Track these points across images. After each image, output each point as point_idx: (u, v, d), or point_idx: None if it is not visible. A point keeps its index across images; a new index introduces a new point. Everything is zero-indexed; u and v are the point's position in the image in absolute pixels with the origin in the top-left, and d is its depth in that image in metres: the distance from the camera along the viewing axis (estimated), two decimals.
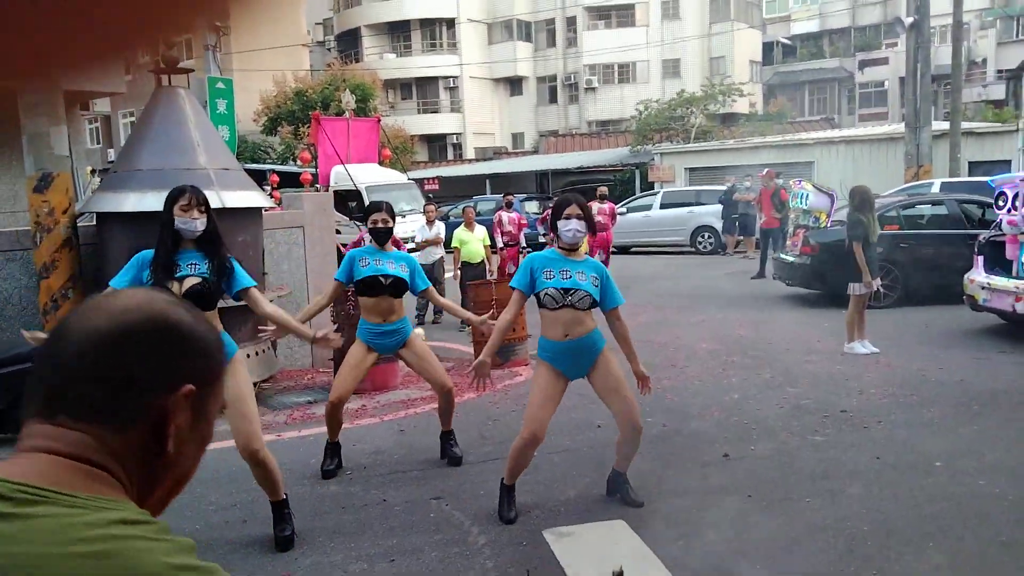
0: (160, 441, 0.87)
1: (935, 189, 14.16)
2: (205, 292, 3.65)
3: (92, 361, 0.85)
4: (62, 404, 0.84)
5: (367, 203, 5.00)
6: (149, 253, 3.68)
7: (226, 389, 3.66)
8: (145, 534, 0.79)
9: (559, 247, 4.12)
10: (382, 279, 4.66)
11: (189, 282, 3.63)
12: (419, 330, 7.76)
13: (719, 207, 17.95)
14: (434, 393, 5.04)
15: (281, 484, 3.86)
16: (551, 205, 4.29)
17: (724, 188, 18.06)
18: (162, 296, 0.94)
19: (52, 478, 0.80)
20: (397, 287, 4.70)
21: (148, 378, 0.87)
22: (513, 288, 4.07)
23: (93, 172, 15.79)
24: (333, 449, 4.86)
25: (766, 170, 15.61)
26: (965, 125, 19.42)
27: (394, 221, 4.84)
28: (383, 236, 4.77)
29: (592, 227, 4.15)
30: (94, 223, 6.87)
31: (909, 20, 17.81)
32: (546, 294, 3.95)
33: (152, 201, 5.96)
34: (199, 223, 3.64)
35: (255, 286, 3.85)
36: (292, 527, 3.87)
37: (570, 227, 4.01)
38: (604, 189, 13.44)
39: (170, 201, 3.66)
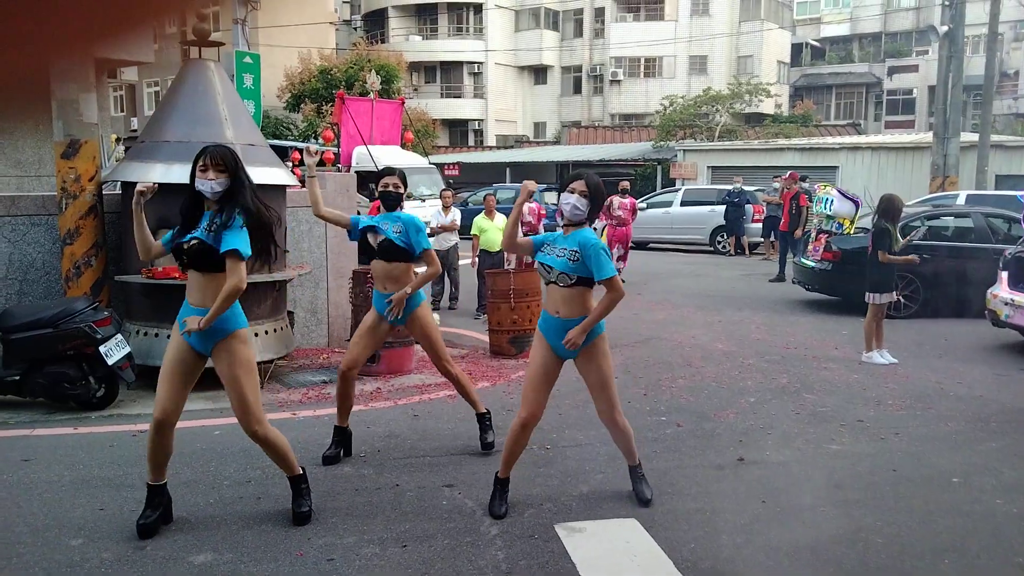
0: None
1: (960, 201, 14.02)
2: (200, 251, 3.58)
3: None
4: None
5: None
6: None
7: (222, 369, 3.64)
8: None
9: (568, 222, 4.01)
10: (371, 238, 4.63)
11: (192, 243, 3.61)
12: (435, 316, 7.76)
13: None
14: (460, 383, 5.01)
15: (293, 459, 3.87)
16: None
17: (730, 188, 17.96)
18: None
19: None
20: (386, 251, 4.59)
21: None
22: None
23: (118, 140, 15.85)
24: (340, 435, 4.74)
25: (788, 173, 15.53)
26: (994, 138, 19.19)
27: (406, 189, 4.78)
28: (393, 201, 4.68)
29: (598, 208, 4.04)
30: (119, 191, 6.90)
31: (943, 28, 17.62)
32: (538, 265, 3.99)
33: (179, 173, 5.97)
34: (215, 184, 3.58)
35: (235, 254, 3.55)
36: (310, 503, 3.89)
37: (569, 201, 3.92)
38: (626, 183, 13.37)
39: (194, 161, 3.67)
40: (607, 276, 3.83)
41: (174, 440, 3.72)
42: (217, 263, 3.58)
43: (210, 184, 3.58)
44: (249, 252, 3.60)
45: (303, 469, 3.95)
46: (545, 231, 11.52)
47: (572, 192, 3.95)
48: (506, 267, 9.60)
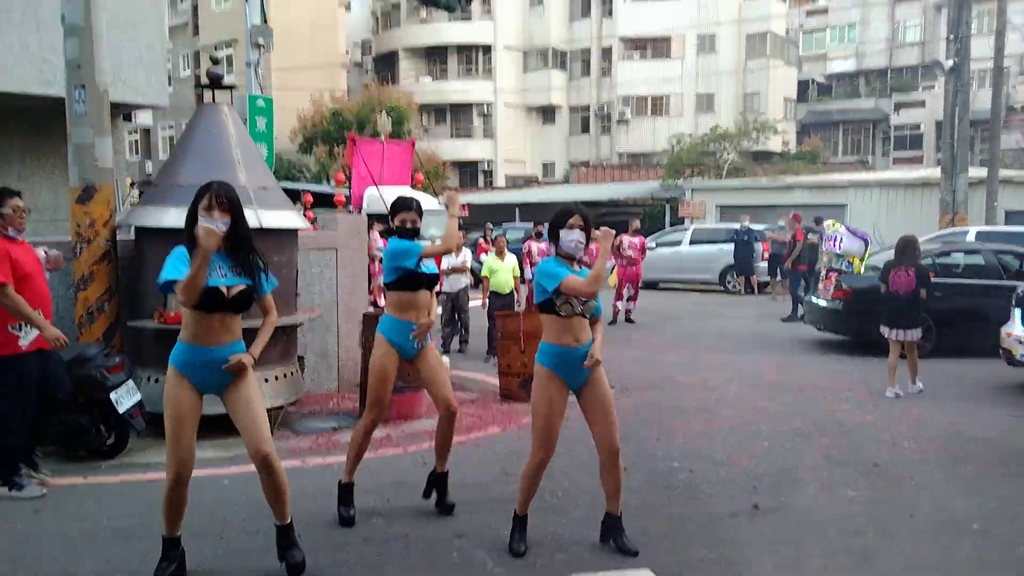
0: None
1: (970, 237, 13.98)
2: (247, 295, 3.66)
3: None
4: None
5: (392, 202, 4.77)
6: (179, 248, 3.61)
7: (241, 393, 3.62)
8: None
9: (559, 255, 4.04)
10: (426, 277, 4.61)
11: (235, 289, 3.61)
12: (444, 359, 7.74)
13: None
14: (446, 422, 4.82)
15: (288, 504, 3.77)
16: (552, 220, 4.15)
17: (737, 227, 17.99)
18: None
19: None
20: (431, 282, 4.69)
21: None
22: (564, 277, 3.87)
23: (132, 184, 16.05)
24: (348, 491, 4.58)
25: (792, 214, 15.56)
26: (1003, 173, 19.18)
27: (421, 220, 4.72)
28: (412, 236, 4.62)
29: (589, 241, 4.08)
30: (132, 236, 6.96)
31: (949, 63, 17.71)
32: (566, 302, 3.93)
33: None
34: (221, 223, 3.54)
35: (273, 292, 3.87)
36: (303, 553, 3.79)
37: (573, 237, 3.99)
38: (637, 223, 13.48)
39: (195, 200, 3.62)
40: (601, 313, 4.18)
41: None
42: (249, 304, 3.68)
43: (218, 223, 3.54)
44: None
45: (291, 518, 3.84)
46: None
47: (573, 228, 4.00)
48: (516, 309, 9.61)
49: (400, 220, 4.62)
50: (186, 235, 3.63)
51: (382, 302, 7.40)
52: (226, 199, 3.57)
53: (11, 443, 4.94)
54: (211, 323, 3.59)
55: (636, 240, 13.12)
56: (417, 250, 4.49)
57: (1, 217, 4.80)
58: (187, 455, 3.55)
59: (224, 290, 3.57)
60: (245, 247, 3.70)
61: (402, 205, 4.64)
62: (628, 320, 13.35)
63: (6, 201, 4.84)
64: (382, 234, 11.09)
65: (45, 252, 5.43)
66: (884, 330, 8.04)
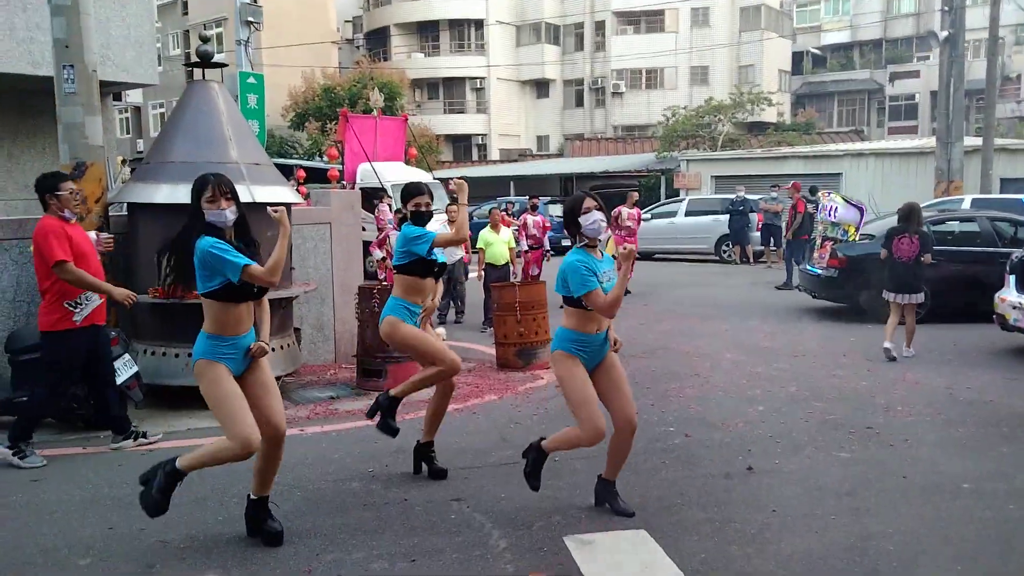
0: None
1: (966, 205, 14.00)
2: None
3: None
4: None
5: (404, 187, 4.81)
6: (210, 240, 3.56)
7: (256, 377, 3.70)
8: None
9: (584, 245, 4.03)
10: (438, 265, 4.68)
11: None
12: (440, 330, 7.77)
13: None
14: (452, 396, 4.93)
15: (272, 481, 3.87)
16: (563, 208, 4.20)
17: (732, 198, 18.02)
18: None
19: None
20: (442, 268, 4.75)
21: None
22: (592, 289, 3.85)
23: (124, 162, 15.97)
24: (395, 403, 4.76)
25: (792, 183, 15.57)
26: (998, 141, 19.16)
27: (434, 202, 4.80)
28: (426, 220, 4.68)
29: (609, 218, 4.13)
30: (125, 212, 6.94)
31: (944, 34, 17.63)
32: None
33: (184, 193, 5.93)
34: (229, 212, 3.60)
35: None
36: (279, 523, 3.85)
37: (594, 219, 3.97)
38: (635, 195, 13.51)
39: (195, 194, 3.62)
40: None
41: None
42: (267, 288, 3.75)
43: (224, 214, 3.59)
44: None
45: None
46: (550, 244, 11.55)
47: (590, 211, 3.99)
48: (512, 280, 9.62)
49: (414, 204, 4.66)
50: (191, 226, 3.63)
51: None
52: (228, 188, 3.63)
53: (38, 413, 5.17)
54: (239, 312, 3.66)
55: (634, 211, 13.16)
56: (430, 238, 4.54)
57: (57, 199, 5.03)
58: (250, 427, 3.54)
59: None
60: (248, 233, 3.76)
61: (415, 190, 4.70)
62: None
63: (61, 185, 5.08)
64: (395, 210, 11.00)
65: (96, 234, 5.67)
66: (886, 294, 8.22)
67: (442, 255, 4.72)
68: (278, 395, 3.83)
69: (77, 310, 5.04)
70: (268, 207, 3.77)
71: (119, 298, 5.12)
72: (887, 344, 8.03)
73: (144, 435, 5.45)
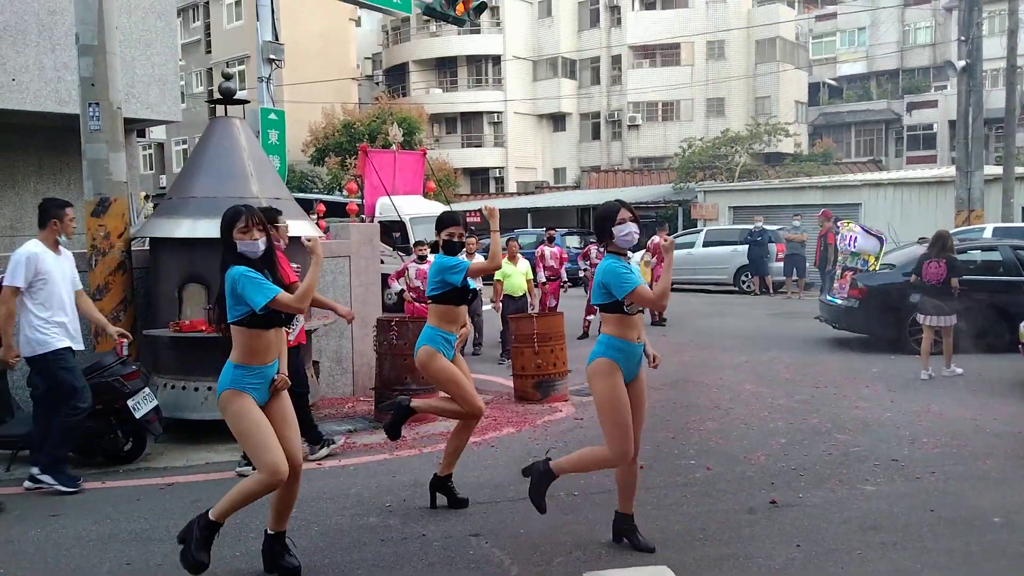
0: None
1: (987, 234, 13.86)
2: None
3: None
4: None
5: (439, 216, 4.92)
6: (241, 268, 3.63)
7: (277, 408, 3.70)
8: None
9: (615, 253, 3.98)
10: (471, 292, 4.74)
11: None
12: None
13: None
14: (471, 427, 4.90)
15: (289, 515, 3.86)
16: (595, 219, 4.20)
17: (751, 228, 17.98)
18: None
19: None
20: (475, 295, 4.84)
21: None
22: (636, 286, 3.86)
23: (146, 197, 16.21)
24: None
25: (822, 211, 15.56)
26: (1018, 170, 19.02)
27: (468, 233, 4.87)
28: (456, 249, 4.73)
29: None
30: (147, 247, 7.03)
31: (961, 64, 17.61)
32: (632, 303, 3.91)
33: (205, 228, 6.08)
34: (260, 243, 3.67)
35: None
36: (298, 559, 3.82)
37: (628, 230, 3.95)
38: (666, 229, 14.00)
39: (227, 225, 3.67)
40: None
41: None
42: (292, 318, 3.85)
43: (256, 244, 3.66)
44: None
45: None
46: (568, 276, 11.55)
47: (624, 221, 3.97)
48: (529, 311, 9.61)
49: (448, 234, 4.72)
50: (224, 259, 3.69)
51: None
52: (260, 219, 3.71)
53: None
54: (268, 339, 3.67)
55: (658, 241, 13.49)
56: (464, 267, 4.59)
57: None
58: (280, 455, 3.58)
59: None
60: (273, 263, 3.81)
61: (449, 220, 4.78)
62: (661, 322, 13.40)
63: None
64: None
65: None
66: (919, 317, 8.63)
67: (472, 283, 4.77)
68: (297, 428, 3.85)
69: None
70: (302, 238, 3.87)
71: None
72: (924, 374, 8.41)
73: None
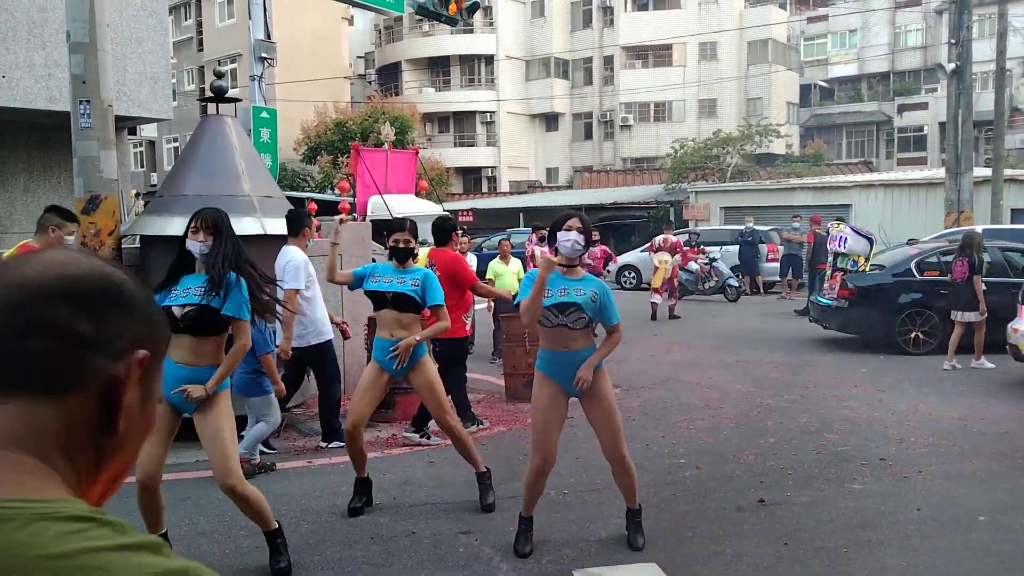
0: (111, 415, 0.74)
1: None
2: (197, 317, 3.60)
3: (27, 313, 0.70)
4: None
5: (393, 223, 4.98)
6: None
7: (204, 421, 3.59)
8: (109, 541, 0.64)
9: (560, 261, 3.98)
10: (388, 295, 4.58)
11: (183, 309, 3.61)
12: None
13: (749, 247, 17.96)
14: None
15: (270, 515, 3.76)
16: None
17: (742, 229, 18.09)
18: (94, 257, 0.80)
19: None
20: (399, 301, 4.57)
21: (95, 337, 0.72)
22: (516, 304, 4.00)
23: (137, 195, 16.15)
24: (361, 485, 4.68)
25: (812, 216, 15.75)
26: (1007, 172, 19.15)
27: (416, 242, 4.79)
28: (403, 255, 4.67)
29: (589, 244, 4.05)
30: (137, 245, 7.01)
31: (951, 66, 17.71)
32: (541, 313, 3.85)
33: None
34: (203, 246, 3.66)
35: (243, 320, 3.68)
36: (288, 558, 3.80)
37: (569, 238, 3.91)
38: (671, 230, 14.88)
39: (188, 222, 3.76)
40: (616, 323, 4.03)
41: (162, 493, 3.75)
42: (210, 326, 3.63)
43: (197, 246, 3.66)
44: (248, 316, 3.69)
45: (279, 523, 3.85)
46: None
47: (570, 230, 3.95)
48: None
49: (394, 240, 4.74)
50: (177, 254, 3.76)
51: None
52: (210, 223, 3.69)
53: None
54: (175, 340, 3.60)
55: (673, 239, 14.54)
56: (359, 276, 4.76)
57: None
58: (150, 465, 3.55)
59: (176, 310, 3.60)
60: (217, 267, 3.64)
61: (396, 226, 4.82)
62: (674, 316, 13.99)
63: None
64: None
65: None
66: (952, 313, 9.13)
67: (375, 285, 4.70)
68: (226, 445, 3.64)
69: None
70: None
71: None
72: (947, 364, 8.92)
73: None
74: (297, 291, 5.75)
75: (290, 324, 5.62)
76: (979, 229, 14.52)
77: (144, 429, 0.81)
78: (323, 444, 6.08)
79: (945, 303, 9.66)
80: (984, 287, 8.94)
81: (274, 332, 5.38)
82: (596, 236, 14.00)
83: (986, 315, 8.84)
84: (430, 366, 4.71)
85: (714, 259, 16.70)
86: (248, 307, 3.68)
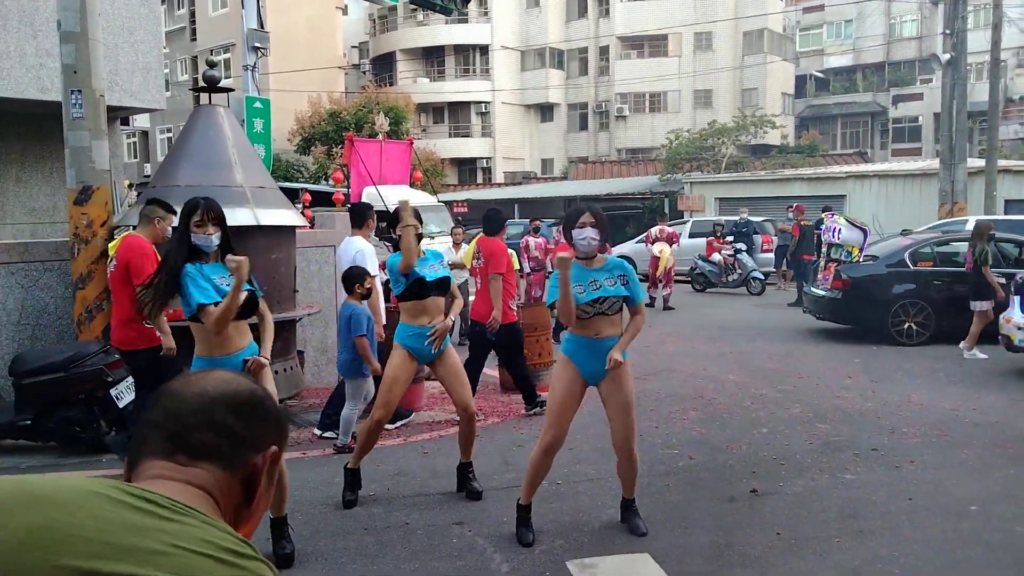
0: (250, 490, 1.07)
1: (970, 226, 13.96)
2: (252, 300, 3.77)
3: (209, 416, 1.05)
4: (181, 446, 1.04)
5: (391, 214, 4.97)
6: (193, 269, 3.70)
7: None
8: (254, 555, 0.94)
9: (575, 258, 4.04)
10: (435, 282, 4.64)
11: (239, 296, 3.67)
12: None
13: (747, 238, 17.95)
14: (458, 418, 4.95)
15: (287, 500, 3.85)
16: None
17: (736, 219, 18.11)
18: (244, 376, 1.15)
19: (186, 498, 0.97)
20: (443, 286, 4.68)
21: (250, 436, 1.07)
22: (549, 306, 4.03)
23: (130, 186, 16.09)
24: (353, 477, 4.69)
25: (795, 205, 15.74)
26: (1001, 163, 19.17)
27: (422, 225, 4.79)
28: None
29: (607, 237, 4.13)
30: None
31: (946, 57, 17.71)
32: (579, 308, 3.93)
33: None
34: (214, 238, 3.72)
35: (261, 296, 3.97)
36: (292, 545, 3.87)
37: (584, 235, 4.00)
38: (666, 221, 15.53)
39: (185, 215, 3.73)
40: (641, 301, 4.14)
41: None
42: (249, 311, 3.81)
43: (210, 239, 3.72)
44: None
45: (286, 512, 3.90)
46: (552, 265, 11.56)
47: (584, 226, 4.01)
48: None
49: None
50: (179, 251, 3.74)
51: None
52: (216, 214, 3.72)
53: None
54: (227, 331, 3.70)
55: (669, 230, 14.64)
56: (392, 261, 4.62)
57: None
58: None
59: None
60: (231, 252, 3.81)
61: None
62: (668, 308, 14.12)
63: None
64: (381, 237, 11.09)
65: None
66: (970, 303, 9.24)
67: (437, 272, 4.68)
68: None
69: None
70: (227, 257, 3.71)
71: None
72: (966, 354, 9.05)
73: None
74: (373, 277, 5.92)
75: (376, 307, 5.92)
76: (972, 220, 14.59)
77: (265, 505, 1.11)
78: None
79: (949, 293, 9.96)
80: (997, 277, 9.13)
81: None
82: (666, 222, 14.29)
83: (993, 305, 8.95)
84: (452, 349, 4.84)
85: (739, 250, 16.36)
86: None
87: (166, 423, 1.05)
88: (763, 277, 16.41)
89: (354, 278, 5.69)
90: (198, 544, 0.88)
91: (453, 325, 7.68)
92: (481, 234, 7.27)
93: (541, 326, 7.89)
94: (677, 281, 18.55)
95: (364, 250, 6.15)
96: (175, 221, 5.39)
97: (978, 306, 9.07)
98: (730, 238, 16.70)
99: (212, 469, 1.03)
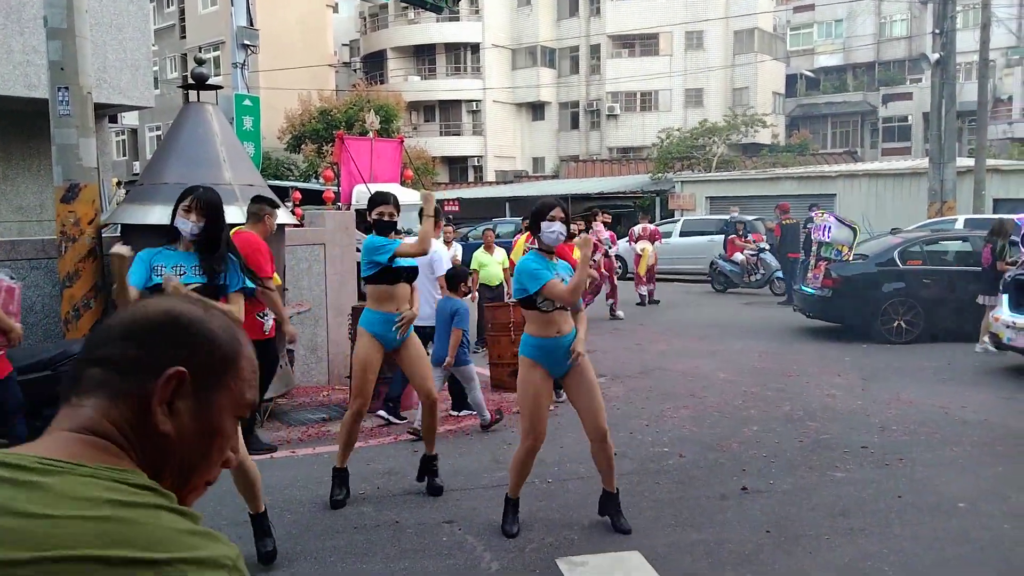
0: (149, 417, 0.91)
1: (959, 225, 14.05)
2: (205, 293, 3.59)
3: (104, 348, 0.93)
4: (75, 386, 0.92)
5: (371, 196, 4.91)
6: (150, 251, 3.71)
7: None
8: (151, 500, 0.83)
9: (539, 249, 4.09)
10: (405, 269, 4.67)
11: (190, 287, 3.62)
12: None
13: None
14: (447, 417, 4.97)
15: (261, 496, 3.79)
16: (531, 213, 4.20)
17: (727, 218, 18.14)
18: (191, 302, 1.00)
19: (66, 452, 0.86)
20: (413, 274, 4.74)
21: (150, 361, 0.91)
22: (547, 281, 3.91)
23: (119, 184, 15.99)
24: (342, 477, 4.66)
25: (780, 203, 15.79)
26: (990, 162, 19.29)
27: (399, 213, 4.78)
28: (388, 228, 4.67)
29: (569, 231, 4.15)
30: (118, 234, 6.93)
31: (935, 56, 17.79)
32: (545, 300, 3.96)
33: None
34: (194, 227, 3.65)
35: (242, 291, 3.82)
36: (274, 541, 3.83)
37: (554, 229, 4.03)
38: (648, 219, 15.34)
39: (179, 198, 3.72)
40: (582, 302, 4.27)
41: None
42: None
43: (188, 226, 3.66)
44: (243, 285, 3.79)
45: (266, 507, 3.86)
46: None
47: (554, 220, 4.04)
48: (506, 300, 9.60)
49: (378, 213, 4.69)
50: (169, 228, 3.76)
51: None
52: (205, 205, 3.67)
53: None
54: None
55: (652, 228, 14.78)
56: (392, 247, 4.56)
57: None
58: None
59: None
60: (212, 248, 3.71)
61: (379, 200, 4.75)
62: (654, 301, 14.35)
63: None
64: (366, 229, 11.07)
65: None
66: (978, 297, 9.34)
67: (405, 262, 4.69)
68: None
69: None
70: (165, 276, 3.67)
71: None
72: (978, 348, 9.14)
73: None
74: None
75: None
76: (961, 219, 14.68)
77: (204, 438, 0.95)
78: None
79: (939, 292, 10.02)
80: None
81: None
82: (607, 219, 14.12)
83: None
84: (416, 337, 4.86)
85: (763, 249, 15.72)
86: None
87: (73, 368, 0.94)
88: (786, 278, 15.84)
89: (459, 276, 6.28)
90: (67, 506, 0.77)
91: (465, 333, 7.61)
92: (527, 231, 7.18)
93: (503, 325, 7.88)
94: (696, 281, 18.64)
95: (439, 250, 6.47)
96: (280, 215, 5.62)
97: (988, 300, 9.12)
98: (750, 236, 16.32)
99: (99, 403, 0.90)
